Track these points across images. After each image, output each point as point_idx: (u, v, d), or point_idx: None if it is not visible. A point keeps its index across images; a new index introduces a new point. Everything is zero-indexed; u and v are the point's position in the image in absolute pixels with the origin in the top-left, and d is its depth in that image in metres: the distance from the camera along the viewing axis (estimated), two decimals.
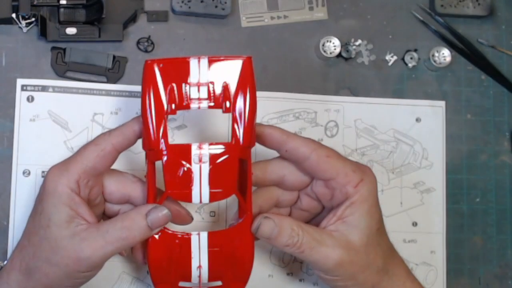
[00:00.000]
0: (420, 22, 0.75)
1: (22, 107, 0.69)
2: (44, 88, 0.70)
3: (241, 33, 0.73)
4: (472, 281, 0.73)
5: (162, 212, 0.57)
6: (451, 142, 0.74)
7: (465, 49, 0.75)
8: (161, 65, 0.57)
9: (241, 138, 0.57)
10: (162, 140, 0.56)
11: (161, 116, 0.56)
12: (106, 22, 0.70)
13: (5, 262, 0.66)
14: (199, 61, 0.57)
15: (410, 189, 0.73)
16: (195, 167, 0.56)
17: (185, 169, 0.56)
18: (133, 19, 0.71)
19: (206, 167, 0.56)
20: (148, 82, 0.57)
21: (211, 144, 0.56)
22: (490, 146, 0.75)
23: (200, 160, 0.56)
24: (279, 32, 0.73)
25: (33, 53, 0.70)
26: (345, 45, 0.73)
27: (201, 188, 0.56)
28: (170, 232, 0.58)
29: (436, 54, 0.73)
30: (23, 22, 0.70)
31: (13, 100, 0.69)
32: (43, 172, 0.68)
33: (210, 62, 0.57)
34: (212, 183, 0.56)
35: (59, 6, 0.69)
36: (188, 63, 0.57)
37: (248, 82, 0.57)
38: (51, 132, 0.69)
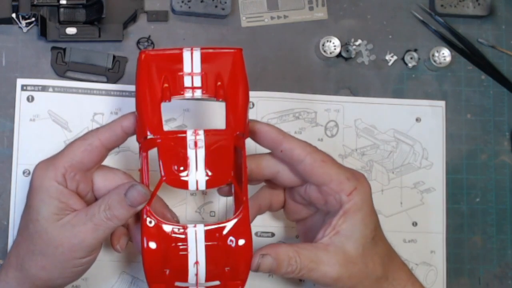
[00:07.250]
0: (420, 22, 0.75)
1: (22, 107, 0.69)
2: (44, 88, 0.70)
3: (241, 33, 0.73)
4: (472, 281, 0.73)
5: (137, 190, 0.56)
6: (451, 142, 0.74)
7: (465, 49, 0.75)
8: (155, 55, 0.58)
9: (235, 126, 0.57)
10: (157, 127, 0.56)
11: (156, 103, 0.57)
12: (106, 22, 0.70)
13: None
14: (192, 52, 0.58)
15: (410, 189, 0.73)
16: (190, 153, 0.56)
17: (181, 154, 0.56)
18: (133, 19, 0.71)
19: (201, 153, 0.56)
20: (142, 71, 0.58)
21: (206, 130, 0.57)
22: (490, 146, 0.75)
23: (195, 146, 0.56)
24: (279, 32, 0.73)
25: (33, 53, 0.70)
26: (345, 45, 0.73)
27: (197, 174, 0.56)
28: (164, 222, 0.57)
29: (436, 54, 0.73)
30: (23, 22, 0.70)
31: (13, 100, 0.69)
32: None
33: (203, 53, 0.58)
34: (208, 168, 0.56)
35: (59, 6, 0.70)
36: (181, 54, 0.58)
37: (240, 72, 0.58)
38: (51, 132, 0.69)
